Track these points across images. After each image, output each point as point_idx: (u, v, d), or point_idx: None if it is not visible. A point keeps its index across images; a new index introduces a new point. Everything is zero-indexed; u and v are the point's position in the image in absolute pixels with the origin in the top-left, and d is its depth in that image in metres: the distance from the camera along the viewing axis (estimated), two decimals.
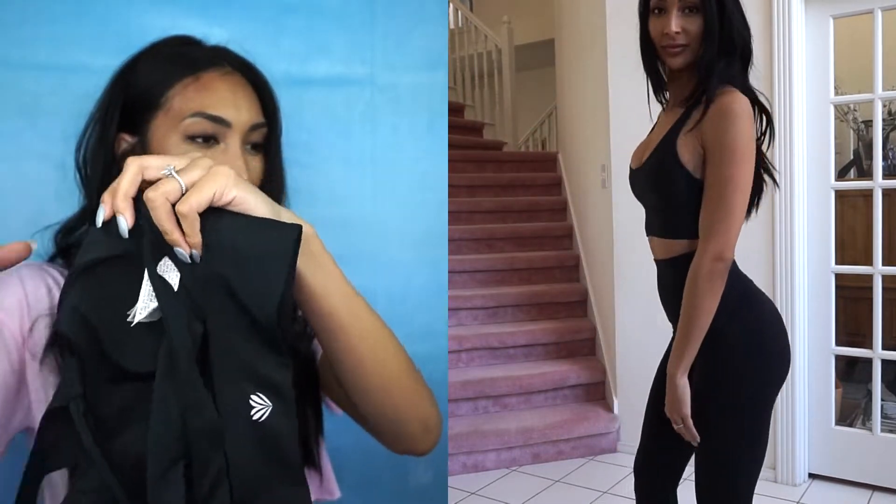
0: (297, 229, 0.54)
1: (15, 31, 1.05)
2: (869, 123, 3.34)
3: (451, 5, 5.90)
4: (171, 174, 0.54)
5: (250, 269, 0.52)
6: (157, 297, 0.52)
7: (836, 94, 2.58)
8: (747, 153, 1.20)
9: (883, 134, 2.92)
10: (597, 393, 3.25)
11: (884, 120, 2.88)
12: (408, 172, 1.26)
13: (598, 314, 3.44)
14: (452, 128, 3.85)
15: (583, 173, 3.78)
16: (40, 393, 0.73)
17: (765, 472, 2.58)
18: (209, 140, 0.76)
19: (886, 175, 2.92)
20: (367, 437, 0.85)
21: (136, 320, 0.53)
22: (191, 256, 0.54)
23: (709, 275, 1.20)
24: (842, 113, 3.53)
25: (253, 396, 0.53)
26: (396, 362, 0.72)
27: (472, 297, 3.47)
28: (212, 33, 0.84)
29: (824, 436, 2.59)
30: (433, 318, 1.29)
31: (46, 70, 1.05)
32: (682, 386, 1.25)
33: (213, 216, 0.53)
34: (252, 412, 0.53)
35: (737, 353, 1.24)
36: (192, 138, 0.76)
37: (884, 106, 3.08)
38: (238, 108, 0.77)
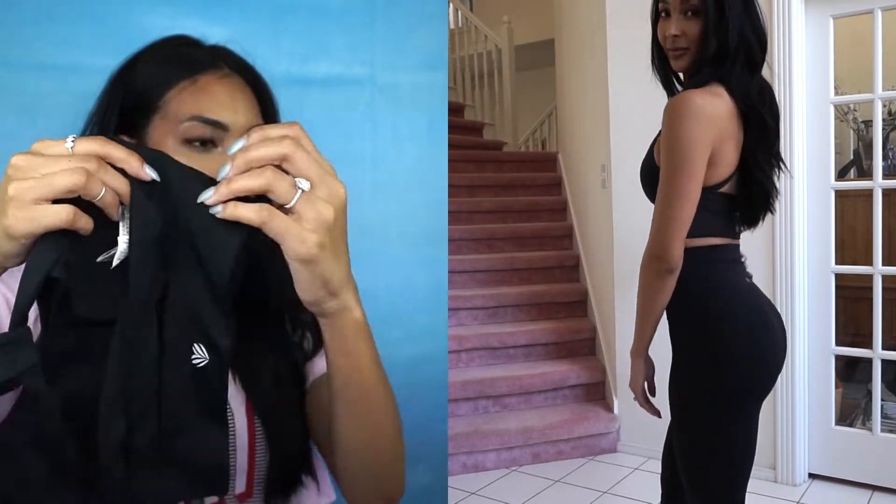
0: None
1: (15, 31, 1.05)
2: (869, 123, 3.35)
3: (451, 5, 5.90)
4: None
5: (211, 226, 0.55)
6: (130, 243, 0.54)
7: (836, 94, 2.58)
8: (679, 155, 1.18)
9: (883, 134, 2.92)
10: (597, 393, 3.25)
11: (884, 120, 2.88)
12: (408, 172, 1.26)
13: (598, 314, 3.44)
14: (452, 128, 3.84)
15: (583, 173, 3.78)
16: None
17: (765, 472, 2.58)
18: (206, 144, 0.76)
19: (886, 175, 2.92)
20: None
21: (114, 263, 0.55)
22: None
23: (647, 273, 1.24)
24: (842, 113, 3.53)
25: (195, 346, 0.57)
26: (389, 442, 0.72)
27: (472, 297, 3.47)
28: (212, 33, 0.84)
29: (824, 436, 2.59)
30: (433, 318, 1.29)
31: (46, 70, 1.05)
32: (635, 366, 1.34)
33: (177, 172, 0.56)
34: (192, 358, 0.57)
35: (741, 358, 1.24)
36: (189, 142, 0.75)
37: (884, 106, 3.07)
38: (236, 112, 0.76)
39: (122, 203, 0.54)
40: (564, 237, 4.08)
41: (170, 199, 0.56)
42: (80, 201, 0.52)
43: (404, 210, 1.26)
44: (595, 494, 2.57)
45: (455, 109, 5.67)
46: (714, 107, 1.20)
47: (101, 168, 0.52)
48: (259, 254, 0.73)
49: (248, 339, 0.78)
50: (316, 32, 1.19)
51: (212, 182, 0.56)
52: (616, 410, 3.08)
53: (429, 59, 1.26)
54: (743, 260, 1.34)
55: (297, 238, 0.54)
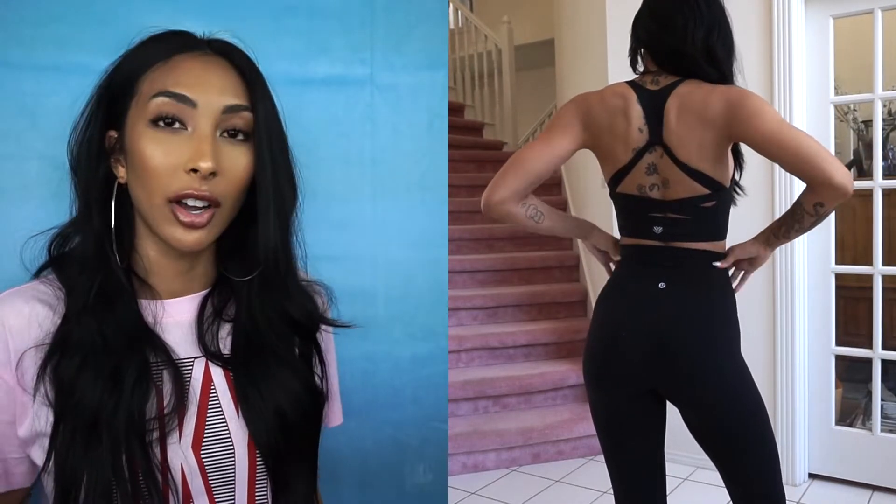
0: None
1: (15, 31, 1.05)
2: (869, 123, 3.34)
3: (451, 5, 5.89)
4: None
5: None
6: None
7: (836, 94, 2.58)
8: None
9: (883, 134, 2.92)
10: None
11: (884, 120, 2.88)
12: (408, 172, 1.26)
13: None
14: (452, 128, 3.84)
15: (583, 173, 3.77)
16: (34, 423, 0.71)
17: None
18: (173, 123, 0.71)
19: (886, 175, 2.92)
20: (366, 439, 0.85)
21: None
22: None
23: None
24: (842, 113, 3.53)
25: None
26: None
27: (472, 297, 3.47)
28: (211, 33, 0.84)
29: (824, 436, 2.59)
30: (433, 318, 1.29)
31: (46, 70, 1.05)
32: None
33: None
34: None
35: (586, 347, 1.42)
36: (155, 122, 0.71)
37: (884, 106, 3.07)
38: (206, 87, 0.72)
39: None
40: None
41: None
42: None
43: (404, 210, 1.26)
44: (595, 494, 2.57)
45: (455, 109, 5.67)
46: (588, 97, 1.32)
47: None
48: (268, 279, 0.72)
49: (253, 381, 0.77)
50: (316, 32, 1.19)
51: None
52: None
53: (429, 58, 1.26)
54: (654, 262, 1.33)
55: None
